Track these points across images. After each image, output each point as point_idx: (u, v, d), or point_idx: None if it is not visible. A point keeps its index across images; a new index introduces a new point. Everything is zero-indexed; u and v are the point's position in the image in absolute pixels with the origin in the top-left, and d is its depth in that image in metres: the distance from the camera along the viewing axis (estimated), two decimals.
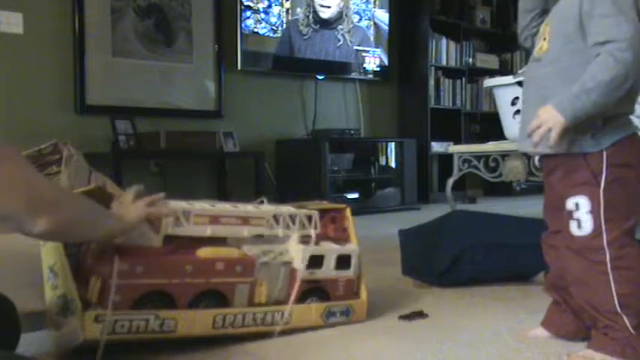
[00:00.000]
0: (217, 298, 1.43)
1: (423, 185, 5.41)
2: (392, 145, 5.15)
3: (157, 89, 4.27)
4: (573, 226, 1.32)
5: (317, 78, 5.05)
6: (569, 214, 1.33)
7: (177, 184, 4.26)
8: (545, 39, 1.39)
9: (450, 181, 3.20)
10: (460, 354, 1.41)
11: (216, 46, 4.55)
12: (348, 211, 1.71)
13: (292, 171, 4.71)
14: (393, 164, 5.15)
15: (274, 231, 1.53)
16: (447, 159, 5.00)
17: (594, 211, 1.30)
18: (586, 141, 1.32)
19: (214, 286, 1.41)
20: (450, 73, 5.85)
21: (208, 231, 1.44)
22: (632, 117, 1.35)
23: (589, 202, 1.30)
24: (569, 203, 1.33)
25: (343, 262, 1.61)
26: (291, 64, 4.89)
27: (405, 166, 5.08)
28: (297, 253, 1.54)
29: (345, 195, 4.75)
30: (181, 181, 4.31)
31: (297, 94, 5.04)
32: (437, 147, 5.61)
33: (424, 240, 2.18)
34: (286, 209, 1.57)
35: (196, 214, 1.43)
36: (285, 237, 1.55)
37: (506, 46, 6.31)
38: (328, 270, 1.58)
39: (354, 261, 1.62)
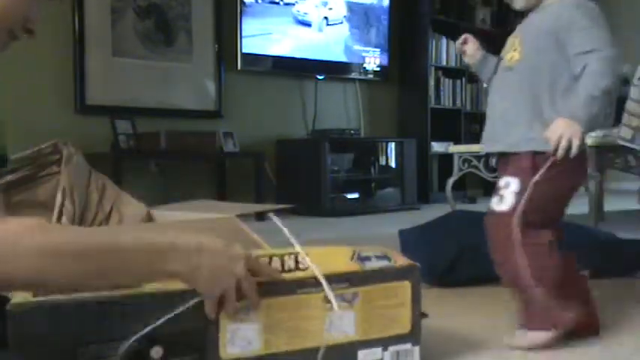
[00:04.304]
0: None
1: (423, 185, 5.41)
2: (392, 145, 5.15)
3: (157, 89, 4.27)
4: (495, 200, 1.46)
5: (317, 78, 5.05)
6: (497, 190, 1.46)
7: (177, 184, 4.26)
8: (516, 50, 1.50)
9: (450, 181, 3.20)
10: (460, 354, 1.41)
11: (216, 46, 4.55)
12: None
13: (292, 171, 4.72)
14: (393, 164, 5.15)
15: None
16: (447, 159, 5.00)
17: (519, 194, 1.42)
18: (541, 141, 1.41)
19: None
20: (450, 73, 5.85)
21: None
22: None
23: (519, 184, 1.42)
24: (502, 181, 1.46)
25: None
26: (291, 64, 4.89)
27: (405, 166, 5.08)
28: None
29: (345, 195, 4.75)
30: (181, 181, 4.31)
31: (297, 94, 5.04)
32: (437, 147, 5.61)
33: (424, 240, 2.18)
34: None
35: None
36: None
37: None
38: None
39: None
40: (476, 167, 3.07)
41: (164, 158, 4.22)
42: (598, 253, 2.15)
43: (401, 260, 1.26)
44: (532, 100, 1.44)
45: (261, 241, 1.47)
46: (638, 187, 4.16)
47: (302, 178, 4.65)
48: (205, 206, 2.32)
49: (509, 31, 1.60)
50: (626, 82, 2.75)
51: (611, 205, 3.95)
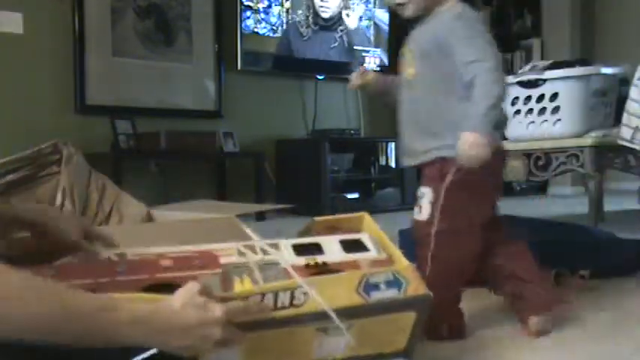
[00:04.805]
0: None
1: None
2: (392, 145, 5.14)
3: (157, 89, 4.27)
4: (416, 210, 1.53)
5: (317, 78, 5.05)
6: (416, 200, 1.54)
7: (177, 184, 4.26)
8: (410, 64, 1.58)
9: None
10: (460, 354, 1.41)
11: (216, 46, 4.55)
12: (366, 218, 1.40)
13: (292, 171, 4.71)
14: (393, 164, 5.15)
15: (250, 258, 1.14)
16: None
17: (433, 203, 1.49)
18: (448, 148, 1.48)
19: (164, 280, 1.07)
20: None
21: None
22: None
23: (432, 194, 1.50)
24: (419, 191, 1.54)
25: (354, 245, 1.23)
26: (291, 64, 4.88)
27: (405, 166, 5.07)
28: (281, 252, 1.17)
29: (345, 195, 4.75)
30: (181, 181, 4.31)
31: (297, 94, 5.04)
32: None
33: None
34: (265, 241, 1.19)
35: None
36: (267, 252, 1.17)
37: (507, 46, 6.31)
38: (336, 253, 1.19)
39: (370, 244, 1.25)
40: None
41: (164, 158, 4.22)
42: (598, 253, 2.15)
43: (414, 285, 1.15)
44: (434, 110, 1.52)
45: (262, 242, 1.46)
46: (638, 187, 4.16)
47: (302, 178, 4.64)
48: (205, 206, 2.32)
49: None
50: (626, 82, 2.75)
51: (611, 205, 3.95)
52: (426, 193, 1.51)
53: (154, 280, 1.06)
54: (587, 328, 1.58)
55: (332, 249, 1.19)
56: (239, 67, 4.58)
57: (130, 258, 1.12)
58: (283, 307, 1.03)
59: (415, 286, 1.15)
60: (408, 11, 1.59)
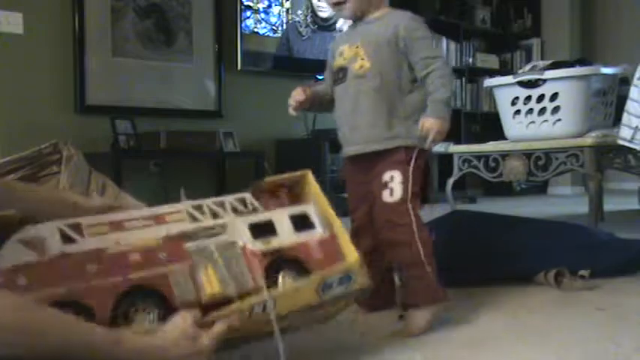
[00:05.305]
0: (151, 296, 1.09)
1: (423, 185, 5.40)
2: None
3: (157, 89, 4.27)
4: (386, 194, 1.64)
5: (317, 78, 5.05)
6: (384, 185, 1.65)
7: (177, 184, 4.24)
8: (363, 59, 1.68)
9: (450, 181, 3.20)
10: (460, 354, 1.41)
11: (216, 46, 4.55)
12: (308, 177, 1.47)
13: (292, 171, 4.69)
14: None
15: (201, 223, 1.22)
16: (447, 159, 4.99)
17: (404, 183, 1.63)
18: (411, 138, 1.65)
19: (138, 281, 1.10)
20: None
21: (112, 239, 1.13)
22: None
23: (401, 176, 1.63)
24: (386, 176, 1.65)
25: (303, 222, 1.31)
26: (291, 64, 4.89)
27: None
28: (237, 230, 1.24)
29: (345, 195, 4.74)
30: (181, 181, 4.28)
31: None
32: (437, 147, 5.59)
33: None
34: (211, 200, 1.29)
35: (89, 224, 1.13)
36: (222, 226, 1.25)
37: (506, 46, 6.32)
38: (288, 234, 1.27)
39: (316, 219, 1.34)
40: (476, 167, 3.07)
41: (164, 158, 4.22)
42: (598, 253, 2.16)
43: (360, 281, 1.30)
44: (388, 101, 1.65)
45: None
46: (638, 187, 4.16)
47: None
48: None
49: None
50: (626, 82, 2.75)
51: (611, 205, 3.95)
52: (395, 176, 1.64)
53: (127, 283, 1.10)
54: (587, 328, 1.58)
55: (283, 229, 1.28)
56: (239, 67, 4.58)
57: (88, 248, 1.12)
58: (257, 313, 1.18)
59: (360, 281, 1.30)
60: (347, 12, 1.70)
